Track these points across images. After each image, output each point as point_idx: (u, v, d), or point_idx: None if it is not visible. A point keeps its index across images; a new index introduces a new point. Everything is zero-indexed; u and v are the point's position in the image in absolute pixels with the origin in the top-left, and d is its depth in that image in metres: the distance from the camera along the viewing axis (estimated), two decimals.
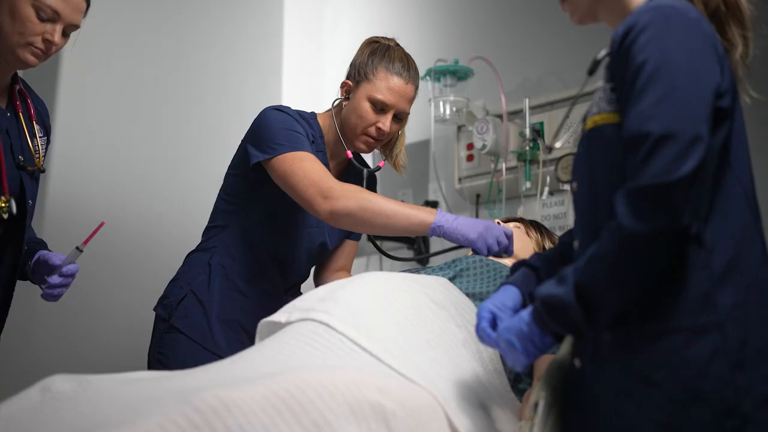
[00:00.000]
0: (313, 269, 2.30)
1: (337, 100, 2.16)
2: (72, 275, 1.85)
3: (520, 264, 1.50)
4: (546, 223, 2.59)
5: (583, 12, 1.39)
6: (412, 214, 1.90)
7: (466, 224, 1.89)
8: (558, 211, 2.70)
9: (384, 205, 1.90)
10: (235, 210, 2.11)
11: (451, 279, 1.85)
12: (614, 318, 1.20)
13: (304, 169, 1.95)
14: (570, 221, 2.56)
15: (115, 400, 1.22)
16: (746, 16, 1.33)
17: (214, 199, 2.19)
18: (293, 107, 2.15)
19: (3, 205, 1.72)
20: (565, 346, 1.37)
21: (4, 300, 1.86)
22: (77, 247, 1.81)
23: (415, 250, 3.13)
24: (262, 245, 2.09)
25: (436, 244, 3.11)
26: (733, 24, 1.32)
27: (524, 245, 2.04)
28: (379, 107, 2.06)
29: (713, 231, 1.21)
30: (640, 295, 1.19)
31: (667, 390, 1.16)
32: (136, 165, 3.07)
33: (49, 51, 1.78)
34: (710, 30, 1.26)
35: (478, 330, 1.36)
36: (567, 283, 1.20)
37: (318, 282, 2.30)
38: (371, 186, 2.21)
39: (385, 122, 2.07)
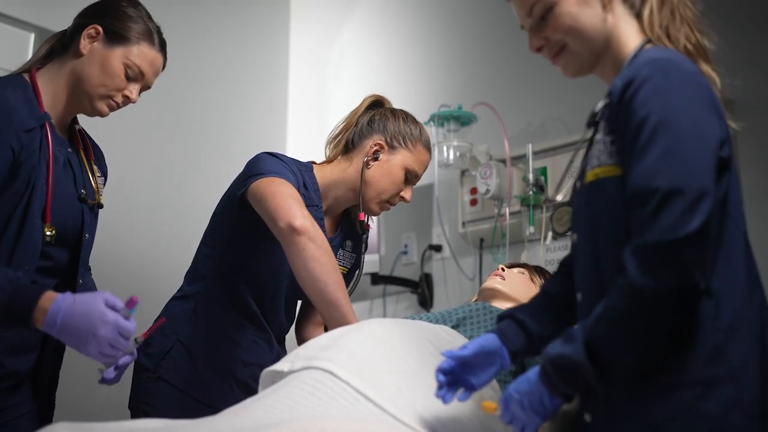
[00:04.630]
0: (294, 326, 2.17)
1: (366, 158, 2.01)
2: (126, 365, 1.78)
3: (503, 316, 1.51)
4: (550, 268, 2.58)
5: (581, 67, 1.39)
6: (341, 304, 1.75)
7: None
8: (562, 256, 2.69)
9: (332, 267, 1.76)
10: (218, 256, 1.98)
11: (454, 327, 1.84)
12: (628, 376, 1.18)
13: (285, 192, 1.81)
14: None
15: None
16: (708, 52, 1.35)
17: None
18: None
19: (49, 232, 1.74)
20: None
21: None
22: (135, 339, 1.68)
23: (419, 294, 3.12)
24: (246, 292, 1.97)
25: (439, 287, 3.11)
26: (701, 61, 1.34)
27: (528, 291, 2.04)
28: (409, 178, 2.03)
29: (720, 281, 1.20)
30: (653, 351, 1.17)
31: None
32: (137, 208, 3.08)
33: (123, 106, 1.86)
34: (706, 82, 1.27)
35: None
36: (576, 341, 1.19)
37: (300, 338, 2.17)
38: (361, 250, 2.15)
39: (408, 193, 2.05)
